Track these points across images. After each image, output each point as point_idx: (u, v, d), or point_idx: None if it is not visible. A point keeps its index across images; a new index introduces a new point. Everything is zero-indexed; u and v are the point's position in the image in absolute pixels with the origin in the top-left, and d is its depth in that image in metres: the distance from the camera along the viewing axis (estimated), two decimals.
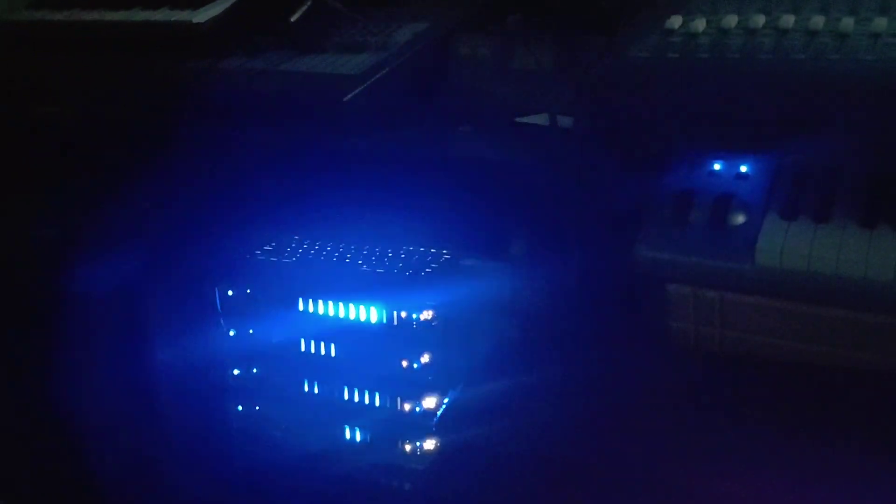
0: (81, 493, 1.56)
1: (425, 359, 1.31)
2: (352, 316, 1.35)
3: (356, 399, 1.38)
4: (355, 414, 1.38)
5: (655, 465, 1.10)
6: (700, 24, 1.21)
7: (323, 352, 1.39)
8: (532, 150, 1.28)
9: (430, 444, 1.33)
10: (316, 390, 1.41)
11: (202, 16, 1.54)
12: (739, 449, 1.08)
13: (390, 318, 1.32)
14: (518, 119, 1.32)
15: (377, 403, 1.35)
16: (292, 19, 1.54)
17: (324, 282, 1.37)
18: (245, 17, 1.56)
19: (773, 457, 1.05)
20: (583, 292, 1.26)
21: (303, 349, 1.40)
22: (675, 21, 1.23)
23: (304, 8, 1.55)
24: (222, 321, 1.45)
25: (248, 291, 1.43)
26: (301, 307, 1.39)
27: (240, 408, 1.48)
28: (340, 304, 1.35)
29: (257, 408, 1.47)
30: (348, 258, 1.39)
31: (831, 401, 1.07)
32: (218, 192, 1.46)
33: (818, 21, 1.17)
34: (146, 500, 1.53)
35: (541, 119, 1.30)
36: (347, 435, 1.40)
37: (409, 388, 1.32)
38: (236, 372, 1.47)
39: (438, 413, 1.31)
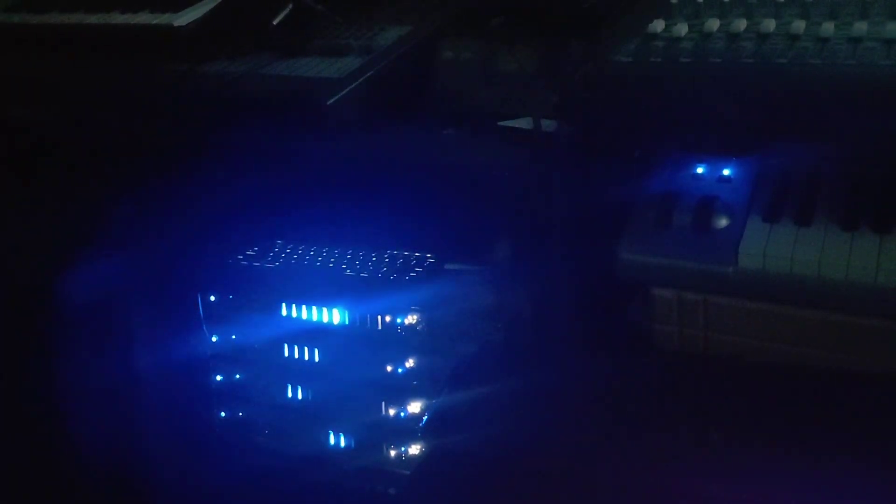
0: (65, 500, 1.54)
1: (410, 363, 1.30)
2: (336, 320, 1.34)
3: (341, 404, 1.37)
4: (340, 419, 1.37)
5: (640, 468, 1.10)
6: (682, 29, 1.22)
7: (307, 357, 1.38)
8: (515, 154, 1.28)
9: (415, 449, 1.32)
10: (300, 395, 1.40)
11: (183, 19, 1.52)
12: (724, 451, 1.08)
13: (374, 323, 1.31)
14: (501, 123, 1.32)
15: (362, 408, 1.34)
16: (274, 22, 1.53)
17: (307, 286, 1.36)
18: (226, 21, 1.55)
19: (758, 458, 1.05)
20: (567, 296, 1.26)
21: (286, 354, 1.39)
22: (658, 25, 1.23)
23: (286, 11, 1.54)
24: (205, 327, 1.44)
25: (231, 297, 1.42)
26: (284, 312, 1.38)
27: (223, 414, 1.47)
28: (324, 309, 1.34)
29: (241, 413, 1.46)
30: (332, 263, 1.39)
31: (815, 402, 1.08)
32: (200, 197, 1.45)
33: (799, 25, 1.18)
34: None
35: (524, 123, 1.30)
36: (332, 440, 1.39)
37: (394, 393, 1.32)
38: (219, 378, 1.46)
39: (424, 417, 1.30)
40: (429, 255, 1.35)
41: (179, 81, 1.48)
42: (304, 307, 1.36)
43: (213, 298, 1.43)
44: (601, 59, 1.21)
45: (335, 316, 1.34)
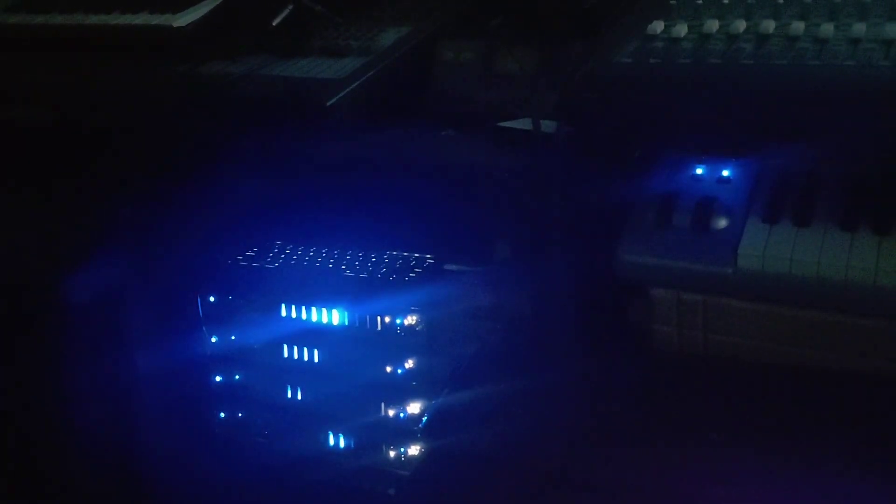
0: (63, 500, 1.54)
1: (410, 364, 1.30)
2: (335, 321, 1.34)
3: (340, 405, 1.37)
4: (339, 420, 1.37)
5: (640, 468, 1.10)
6: (682, 30, 1.22)
7: (306, 358, 1.38)
8: (515, 155, 1.28)
9: (414, 450, 1.32)
10: (299, 397, 1.40)
11: (183, 20, 1.53)
12: (723, 451, 1.08)
13: (374, 324, 1.31)
14: (501, 123, 1.32)
15: (361, 409, 1.34)
16: (274, 23, 1.53)
17: (306, 287, 1.36)
18: (226, 21, 1.55)
19: (758, 459, 1.05)
20: (566, 296, 1.27)
21: (286, 355, 1.39)
22: (657, 26, 1.23)
23: (286, 12, 1.54)
24: (204, 328, 1.43)
25: (230, 298, 1.42)
26: (284, 313, 1.38)
27: (222, 414, 1.47)
28: (323, 310, 1.34)
29: (240, 414, 1.46)
30: (331, 263, 1.39)
31: (814, 403, 1.08)
32: (199, 198, 1.45)
33: (798, 27, 1.18)
34: None
35: (524, 124, 1.30)
36: (331, 441, 1.39)
37: (393, 394, 1.32)
38: (219, 378, 1.45)
39: (423, 418, 1.30)
40: (428, 256, 1.35)
41: (179, 82, 1.48)
42: (303, 308, 1.36)
43: (212, 299, 1.43)
44: (601, 60, 1.21)
45: (335, 317, 1.34)
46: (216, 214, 1.45)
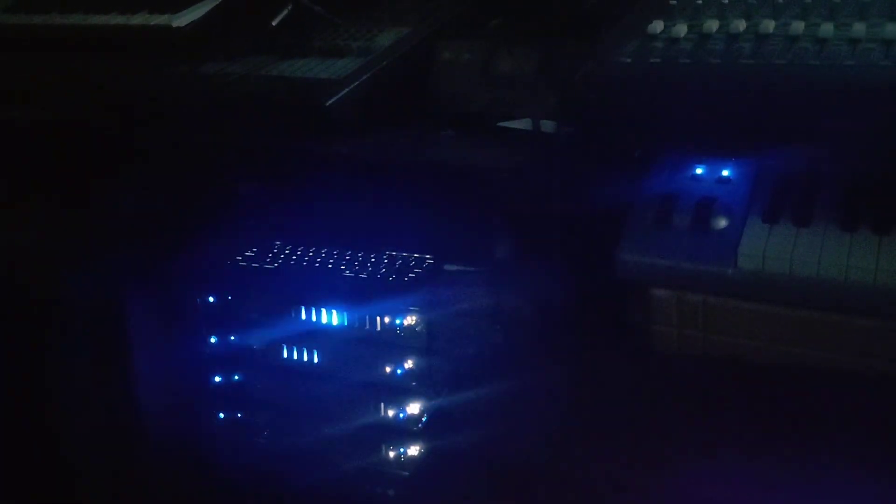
0: (61, 500, 1.54)
1: (409, 364, 1.30)
2: (335, 322, 1.34)
3: (340, 405, 1.37)
4: (339, 420, 1.37)
5: (640, 468, 1.10)
6: (682, 29, 1.22)
7: (306, 358, 1.38)
8: (515, 155, 1.28)
9: (414, 450, 1.32)
10: (299, 397, 1.40)
11: (183, 20, 1.53)
12: (723, 451, 1.08)
13: (374, 324, 1.31)
14: (501, 124, 1.32)
15: (361, 410, 1.34)
16: (273, 23, 1.53)
17: (306, 288, 1.36)
18: (225, 21, 1.55)
19: (757, 458, 1.05)
20: (566, 296, 1.27)
21: (285, 356, 1.39)
22: (657, 26, 1.23)
23: (285, 12, 1.54)
24: (203, 328, 1.44)
25: (230, 298, 1.42)
26: (283, 313, 1.38)
27: (222, 415, 1.47)
28: (323, 310, 1.34)
29: (240, 415, 1.46)
30: (331, 264, 1.39)
31: (814, 403, 1.08)
32: (198, 199, 1.45)
33: (798, 26, 1.18)
34: None
35: (524, 124, 1.30)
36: (331, 442, 1.39)
37: (393, 394, 1.32)
38: (218, 379, 1.45)
39: (423, 418, 1.30)
40: (428, 256, 1.35)
41: (179, 82, 1.48)
42: (303, 308, 1.36)
43: (211, 300, 1.43)
44: (601, 60, 1.21)
45: (334, 317, 1.34)
46: (216, 214, 1.45)
